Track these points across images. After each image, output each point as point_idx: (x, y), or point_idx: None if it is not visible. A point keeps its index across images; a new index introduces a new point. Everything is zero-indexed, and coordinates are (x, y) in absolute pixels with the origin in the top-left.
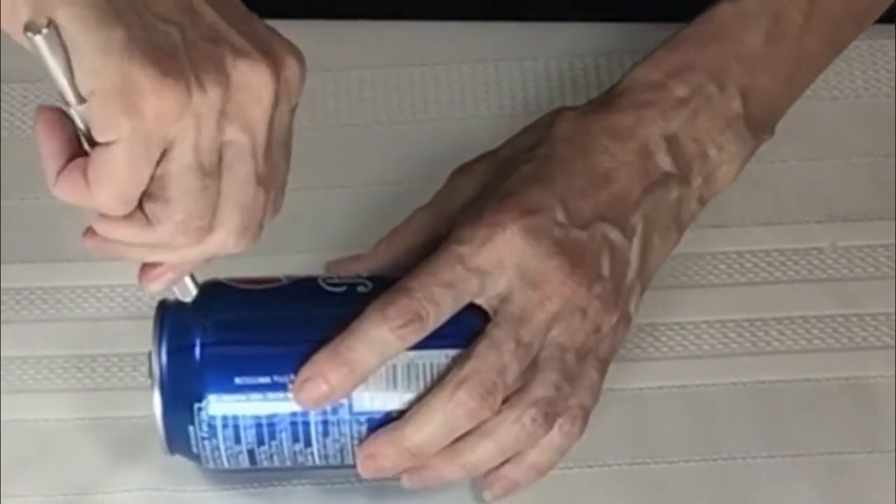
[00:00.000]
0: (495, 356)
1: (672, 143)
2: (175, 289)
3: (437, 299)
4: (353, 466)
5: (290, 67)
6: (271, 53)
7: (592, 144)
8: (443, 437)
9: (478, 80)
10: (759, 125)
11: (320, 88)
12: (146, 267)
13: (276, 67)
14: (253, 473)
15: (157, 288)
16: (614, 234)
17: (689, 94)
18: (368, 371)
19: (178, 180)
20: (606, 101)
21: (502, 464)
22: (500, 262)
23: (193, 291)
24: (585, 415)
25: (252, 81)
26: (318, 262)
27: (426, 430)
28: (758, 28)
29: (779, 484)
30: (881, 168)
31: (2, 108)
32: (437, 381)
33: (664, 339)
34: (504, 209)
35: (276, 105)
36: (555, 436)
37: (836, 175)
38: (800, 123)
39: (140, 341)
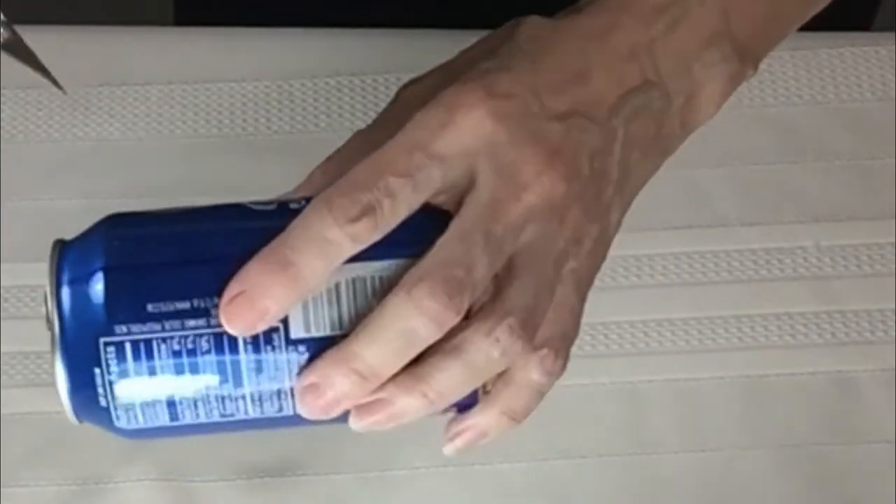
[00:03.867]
0: (461, 249)
1: (651, 50)
2: None
3: (392, 190)
4: (294, 418)
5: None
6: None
7: (562, 44)
8: (398, 351)
9: None
10: (743, 49)
11: (324, 93)
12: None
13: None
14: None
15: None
16: (593, 133)
17: (666, 3)
18: (314, 279)
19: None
20: (575, 9)
21: (468, 410)
22: (465, 147)
23: None
24: (567, 346)
25: None
26: None
27: (378, 344)
28: None
29: (765, 474)
30: (864, 171)
31: (4, 113)
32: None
33: (654, 334)
34: (468, 90)
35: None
36: (532, 372)
37: (821, 177)
38: (786, 127)
39: None
